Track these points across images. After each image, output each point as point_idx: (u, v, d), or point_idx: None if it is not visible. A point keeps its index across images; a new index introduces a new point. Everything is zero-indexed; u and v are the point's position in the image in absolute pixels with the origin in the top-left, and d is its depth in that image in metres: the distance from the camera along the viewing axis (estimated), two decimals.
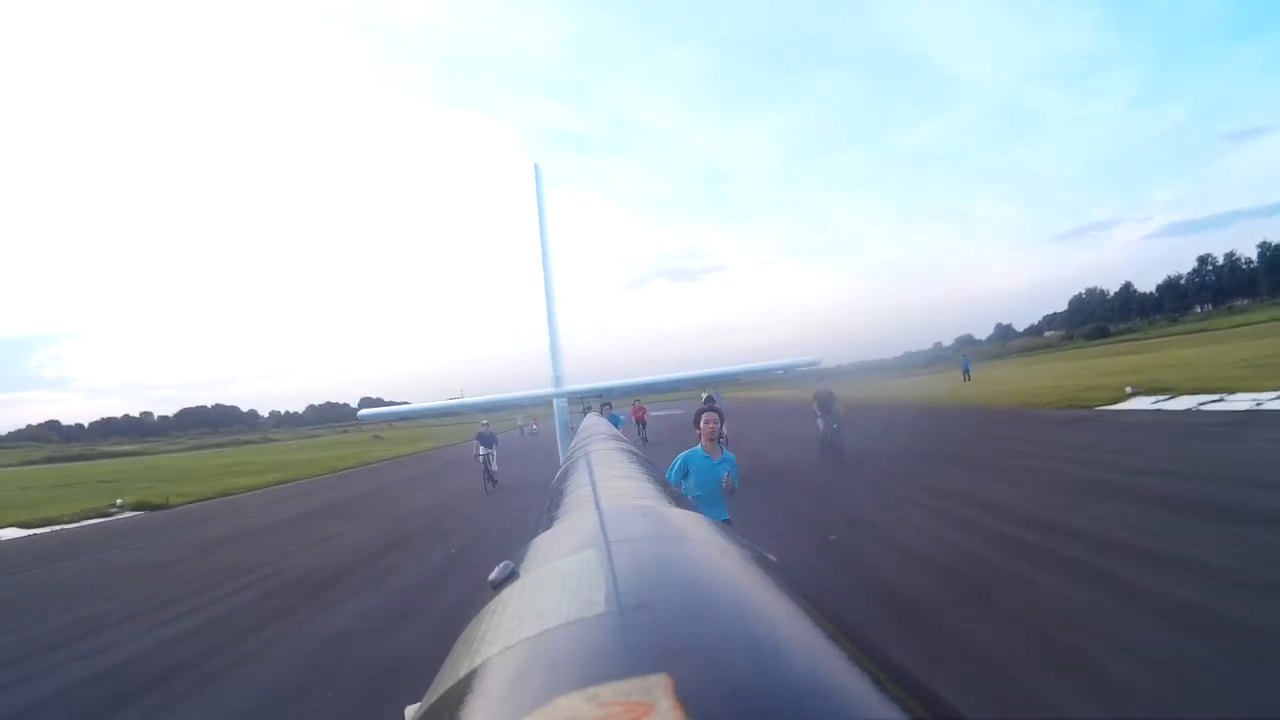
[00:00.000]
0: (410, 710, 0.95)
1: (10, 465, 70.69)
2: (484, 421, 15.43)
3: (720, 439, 8.37)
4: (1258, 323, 62.52)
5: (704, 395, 12.57)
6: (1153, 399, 15.46)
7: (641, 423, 19.95)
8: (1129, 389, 16.98)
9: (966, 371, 37.45)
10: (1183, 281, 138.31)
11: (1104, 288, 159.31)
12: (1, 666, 5.49)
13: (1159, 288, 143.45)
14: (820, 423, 12.80)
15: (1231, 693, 3.06)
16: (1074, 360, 48.93)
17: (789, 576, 0.87)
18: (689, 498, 4.09)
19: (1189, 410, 13.18)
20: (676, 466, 4.41)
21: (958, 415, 19.72)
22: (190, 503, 18.07)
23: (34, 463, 71.14)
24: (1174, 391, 15.93)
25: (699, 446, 4.52)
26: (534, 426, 37.66)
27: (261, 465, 32.60)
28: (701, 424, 4.52)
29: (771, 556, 1.04)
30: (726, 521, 4.19)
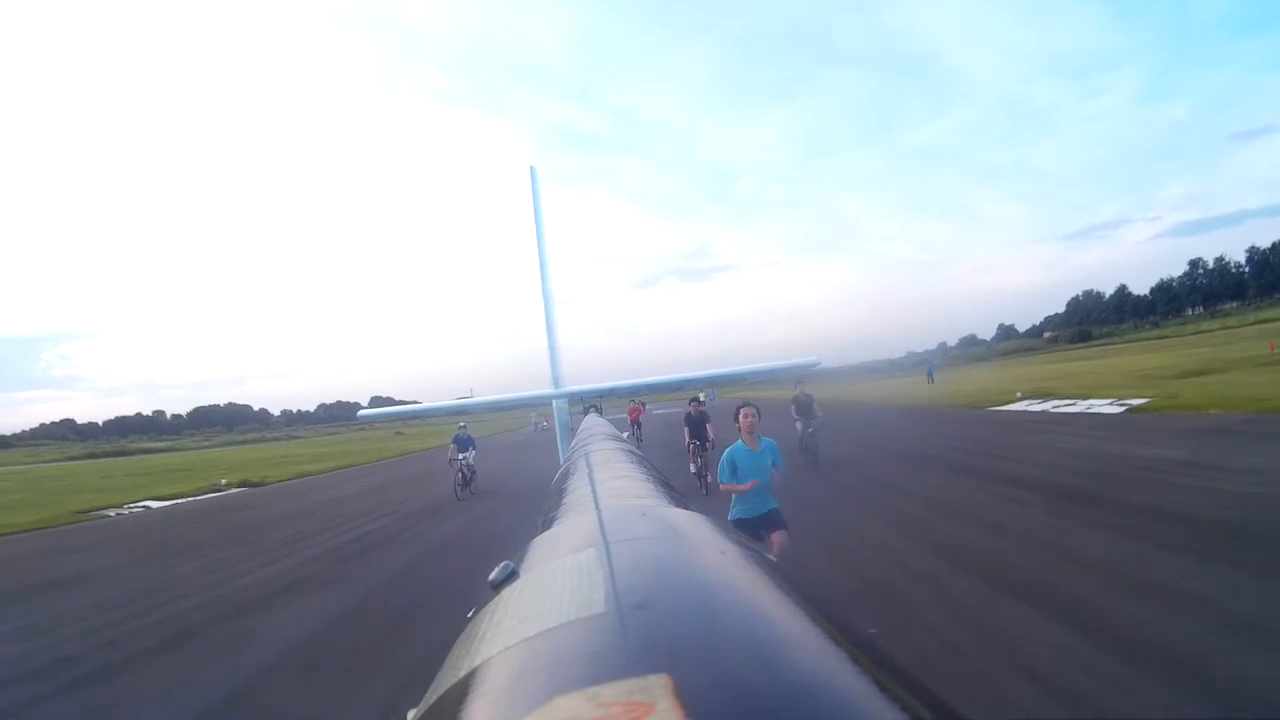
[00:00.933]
0: (412, 714, 0.99)
1: (54, 460, 75.92)
2: (461, 424, 14.93)
3: (708, 441, 10.71)
4: (1212, 330, 66.72)
5: (690, 399, 13.40)
6: (1027, 403, 20.03)
7: (637, 423, 20.47)
8: (1019, 394, 21.56)
9: (930, 375, 42.01)
10: (1174, 285, 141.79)
11: (1100, 289, 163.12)
12: (296, 540, 10.38)
13: (1152, 290, 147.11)
14: (798, 426, 13.17)
15: (884, 524, 7.70)
16: (1033, 364, 53.29)
17: (789, 576, 0.91)
18: (739, 487, 4.60)
19: (1040, 411, 17.75)
20: (725, 463, 4.68)
21: (899, 412, 24.25)
22: (280, 481, 22.91)
23: (75, 458, 76.22)
24: (1050, 396, 20.48)
25: (740, 441, 4.71)
26: (544, 423, 42.42)
27: (309, 456, 37.45)
28: (740, 418, 4.67)
29: (771, 556, 1.10)
30: (775, 510, 4.74)
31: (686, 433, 11.66)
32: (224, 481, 22.71)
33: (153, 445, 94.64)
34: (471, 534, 9.67)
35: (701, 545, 1.06)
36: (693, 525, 1.23)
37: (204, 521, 14.59)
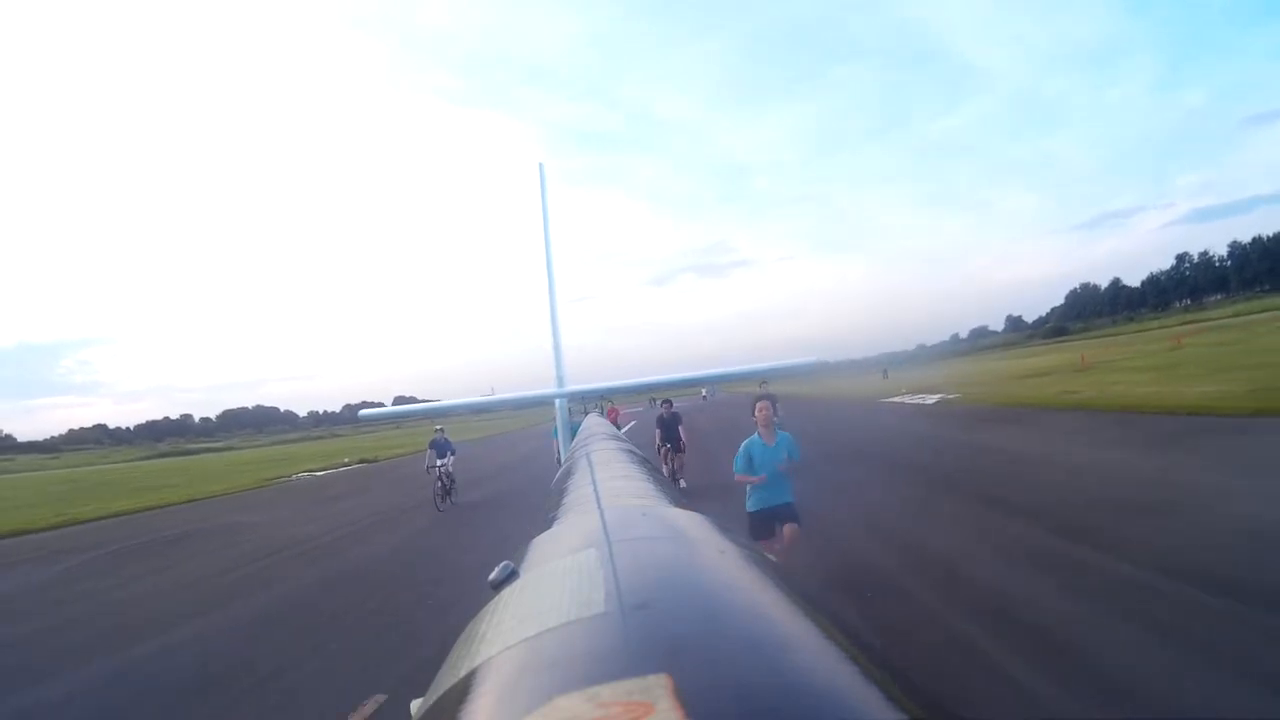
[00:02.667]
0: (415, 705, 1.00)
1: (128, 460, 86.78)
2: (438, 427, 14.51)
3: (680, 444, 11.97)
4: (1150, 329, 75.00)
5: (661, 400, 13.90)
6: (901, 397, 29.30)
7: (615, 426, 20.41)
8: (904, 390, 30.83)
9: (885, 373, 51.30)
10: (1162, 279, 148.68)
11: (1098, 282, 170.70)
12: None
13: (1143, 283, 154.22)
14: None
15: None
16: (979, 362, 62.28)
17: (789, 577, 0.93)
18: (755, 477, 5.03)
19: (897, 402, 27.05)
20: (741, 454, 5.11)
21: (832, 403, 33.44)
22: (387, 459, 32.72)
23: (148, 458, 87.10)
24: (918, 392, 29.71)
25: (756, 434, 5.11)
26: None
27: (379, 446, 47.37)
28: (756, 412, 5.07)
29: (771, 557, 1.12)
30: (790, 504, 5.12)
31: (658, 435, 11.75)
32: (346, 460, 32.58)
33: (213, 445, 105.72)
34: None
35: (702, 545, 1.08)
36: (693, 525, 1.24)
37: (371, 478, 24.31)
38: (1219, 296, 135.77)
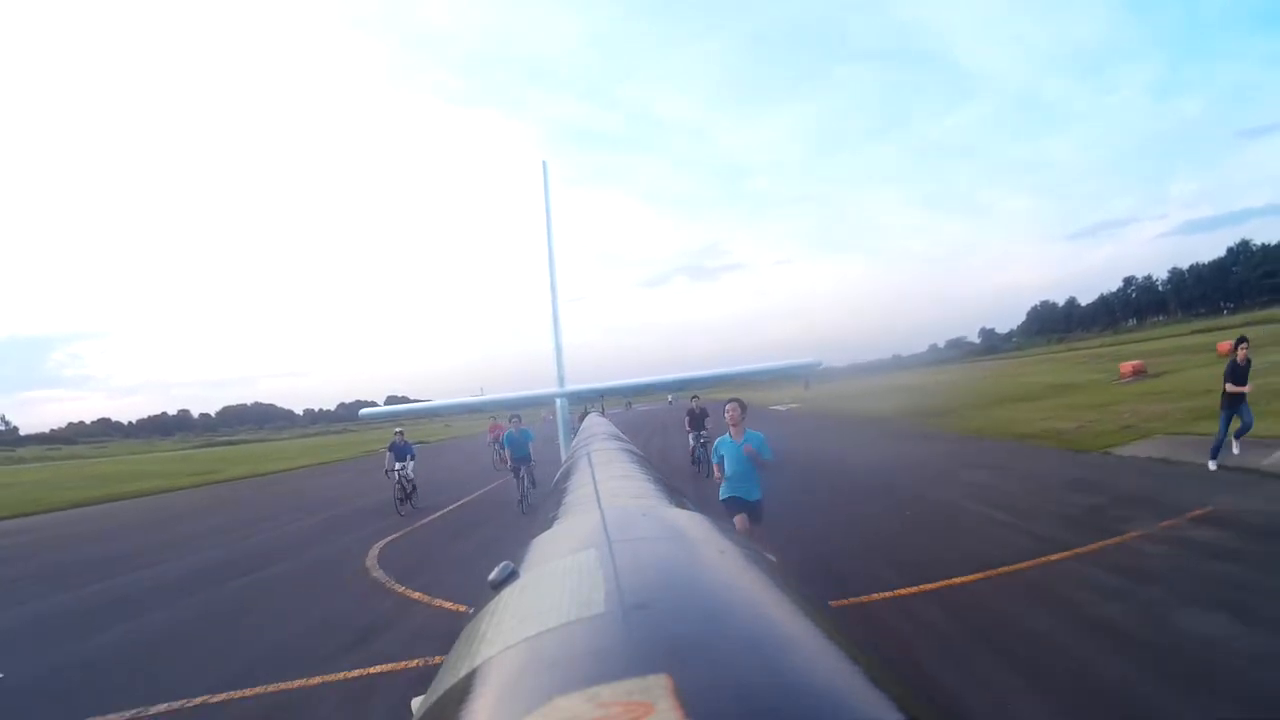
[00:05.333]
0: (416, 703, 1.03)
1: (168, 451, 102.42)
2: (398, 429, 14.50)
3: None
4: (1074, 349, 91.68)
5: (581, 412, 14.00)
6: (782, 405, 45.87)
7: (498, 441, 19.05)
8: (787, 400, 47.54)
9: (806, 384, 67.86)
10: (1111, 299, 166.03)
11: (1055, 300, 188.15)
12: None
13: (1093, 303, 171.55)
14: (690, 437, 14.55)
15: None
16: (896, 377, 79.00)
17: (789, 576, 0.96)
18: (728, 473, 5.67)
19: (772, 408, 43.67)
20: (715, 451, 5.95)
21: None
22: (437, 441, 49.16)
23: (197, 448, 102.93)
24: (793, 402, 46.33)
25: (727, 433, 5.86)
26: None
27: (413, 436, 63.79)
28: (726, 413, 5.92)
29: (771, 557, 1.17)
30: (758, 501, 5.75)
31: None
32: None
33: (247, 439, 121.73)
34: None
35: (702, 545, 1.11)
36: (693, 525, 1.29)
37: (439, 449, 40.69)
38: (1160, 318, 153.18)
